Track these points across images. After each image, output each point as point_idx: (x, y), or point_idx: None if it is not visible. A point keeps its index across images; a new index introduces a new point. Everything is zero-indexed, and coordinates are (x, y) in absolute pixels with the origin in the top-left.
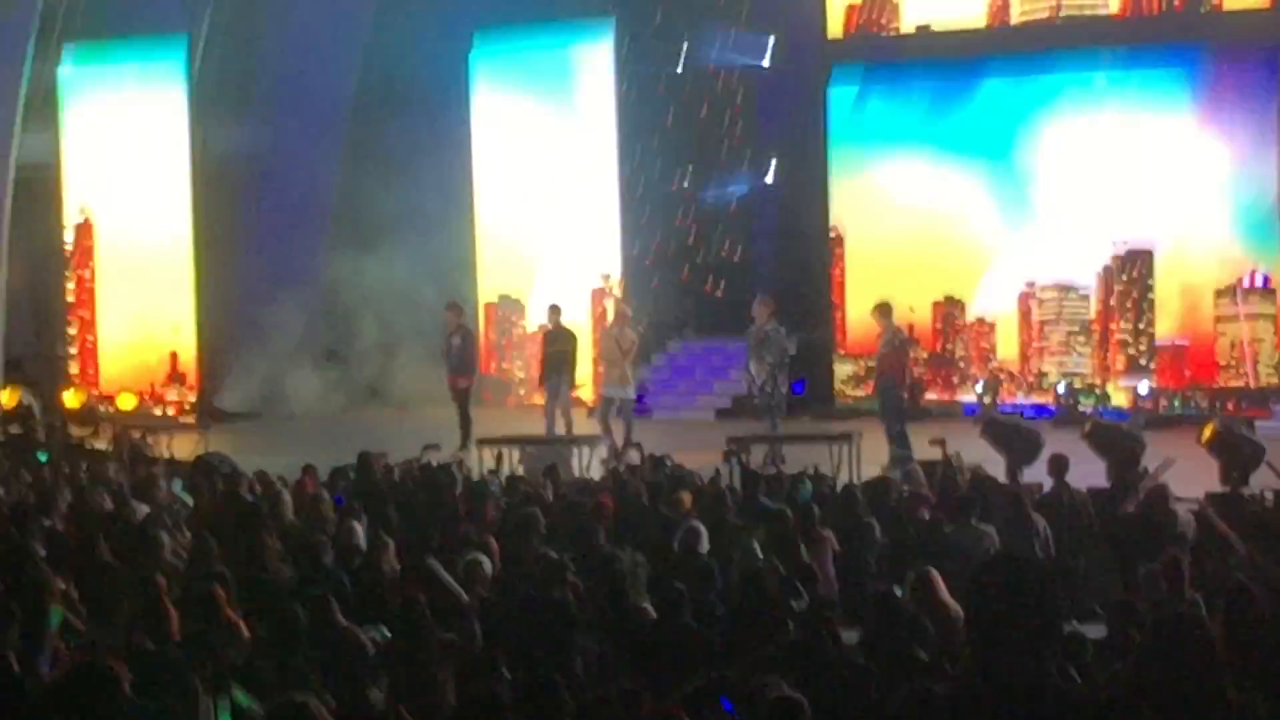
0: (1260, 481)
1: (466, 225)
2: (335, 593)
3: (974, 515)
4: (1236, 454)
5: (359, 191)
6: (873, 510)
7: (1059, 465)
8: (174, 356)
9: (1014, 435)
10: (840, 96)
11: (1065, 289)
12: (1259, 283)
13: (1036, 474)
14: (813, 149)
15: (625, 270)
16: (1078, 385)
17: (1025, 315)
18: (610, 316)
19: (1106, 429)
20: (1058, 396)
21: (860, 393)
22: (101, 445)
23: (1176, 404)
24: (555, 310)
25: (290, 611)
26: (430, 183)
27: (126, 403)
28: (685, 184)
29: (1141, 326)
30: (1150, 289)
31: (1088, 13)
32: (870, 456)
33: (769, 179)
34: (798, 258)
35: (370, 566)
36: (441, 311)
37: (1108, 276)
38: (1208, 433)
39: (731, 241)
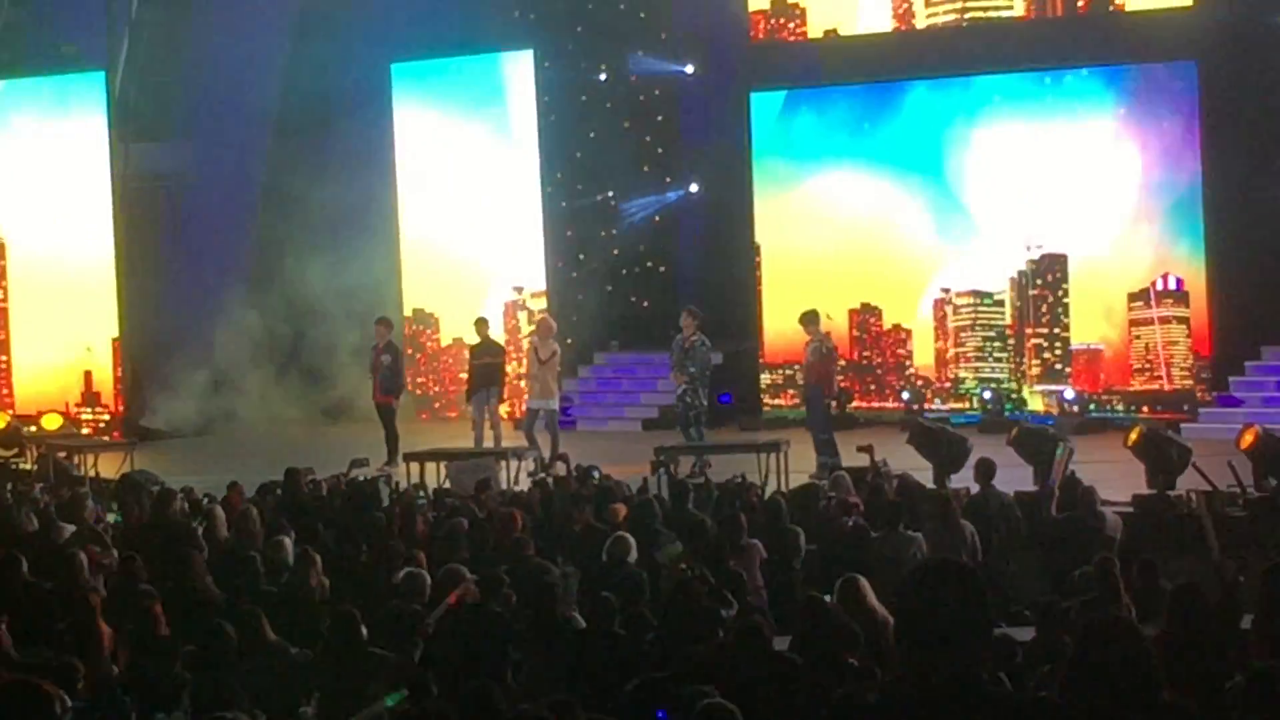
0: (1185, 483)
1: (391, 240)
2: (265, 609)
3: (902, 522)
4: (1163, 457)
5: (283, 207)
6: (800, 518)
7: (985, 470)
8: (88, 376)
9: (940, 441)
10: (763, 104)
11: (980, 295)
12: (1172, 285)
13: (963, 479)
14: (737, 159)
15: (549, 283)
16: (1000, 390)
17: (941, 322)
18: (526, 328)
19: (1033, 434)
20: (984, 403)
21: (778, 401)
22: (27, 466)
23: (1092, 408)
24: (482, 323)
25: (220, 628)
26: (354, 198)
27: (51, 423)
28: (610, 196)
29: (1057, 332)
30: (1065, 294)
31: (992, 15)
32: (798, 465)
33: (694, 189)
34: (723, 269)
35: (298, 582)
36: (367, 326)
37: (1022, 282)
38: (1134, 436)
39: (657, 253)
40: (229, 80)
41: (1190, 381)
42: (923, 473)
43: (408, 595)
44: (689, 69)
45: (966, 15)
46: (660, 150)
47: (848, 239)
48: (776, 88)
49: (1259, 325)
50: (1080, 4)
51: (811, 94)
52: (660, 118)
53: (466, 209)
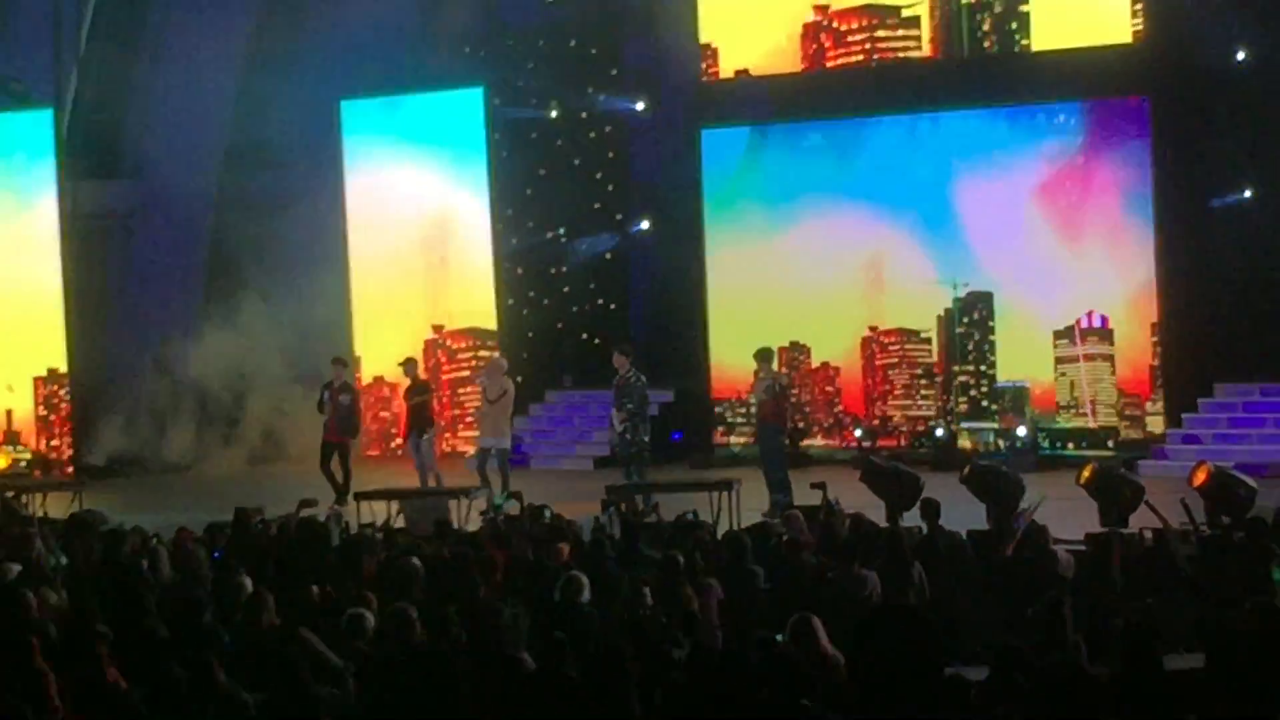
0: (1138, 521)
1: (341, 278)
2: (215, 651)
3: (855, 560)
4: (1115, 494)
5: (232, 245)
6: (753, 557)
7: (929, 510)
8: (9, 415)
9: (893, 479)
10: (724, 140)
11: (907, 333)
12: (1096, 323)
13: (917, 517)
14: (687, 196)
15: (500, 321)
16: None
17: (869, 360)
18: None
19: (985, 472)
20: (937, 441)
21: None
22: None
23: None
24: (411, 363)
25: (170, 670)
26: (304, 236)
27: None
28: (561, 233)
29: (983, 369)
30: (991, 331)
31: (901, 57)
32: (750, 503)
33: (644, 226)
34: (674, 306)
35: (250, 623)
36: (317, 366)
37: (949, 319)
38: (1087, 473)
39: (607, 291)
40: (177, 118)
41: (1116, 419)
42: (876, 510)
43: (350, 636)
44: (640, 106)
45: (874, 57)
46: (611, 187)
47: (774, 274)
48: (727, 124)
49: (1212, 362)
50: (986, 44)
51: (756, 131)
52: (611, 155)
53: (415, 247)
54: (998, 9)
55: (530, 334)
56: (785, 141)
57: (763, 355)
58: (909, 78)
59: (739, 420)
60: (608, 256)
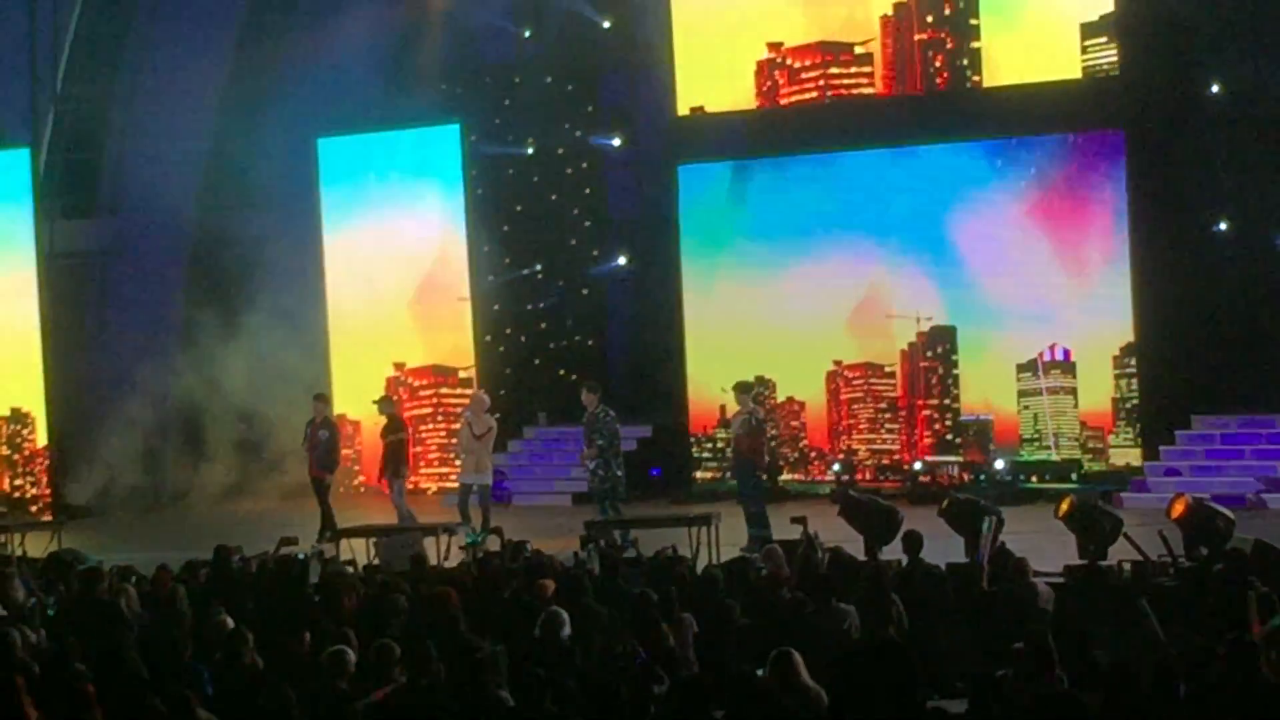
0: (1117, 553)
1: (319, 315)
2: (195, 688)
3: (834, 595)
4: (1094, 527)
5: (209, 283)
6: (732, 591)
7: (913, 543)
8: None
9: (871, 513)
10: (703, 176)
11: (872, 367)
12: (1059, 356)
13: (896, 550)
14: (664, 232)
15: (477, 358)
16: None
17: (833, 394)
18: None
19: (964, 505)
20: (914, 474)
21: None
22: None
23: (983, 478)
24: (387, 401)
25: (150, 708)
26: (281, 272)
27: None
28: (537, 269)
29: (947, 403)
30: (955, 365)
31: (855, 93)
32: (729, 538)
33: (621, 262)
34: (651, 341)
35: (231, 660)
36: (295, 403)
37: (912, 354)
38: (1065, 506)
39: (584, 327)
40: (155, 156)
41: (1079, 452)
42: (855, 544)
43: (332, 673)
44: (616, 142)
45: (828, 94)
46: (588, 223)
47: (740, 309)
48: (704, 160)
49: (1189, 394)
50: (938, 80)
51: (739, 167)
52: (588, 191)
53: (392, 283)
54: (949, 45)
55: (507, 370)
56: (764, 177)
57: (741, 389)
58: (884, 113)
59: (705, 455)
60: (584, 292)
